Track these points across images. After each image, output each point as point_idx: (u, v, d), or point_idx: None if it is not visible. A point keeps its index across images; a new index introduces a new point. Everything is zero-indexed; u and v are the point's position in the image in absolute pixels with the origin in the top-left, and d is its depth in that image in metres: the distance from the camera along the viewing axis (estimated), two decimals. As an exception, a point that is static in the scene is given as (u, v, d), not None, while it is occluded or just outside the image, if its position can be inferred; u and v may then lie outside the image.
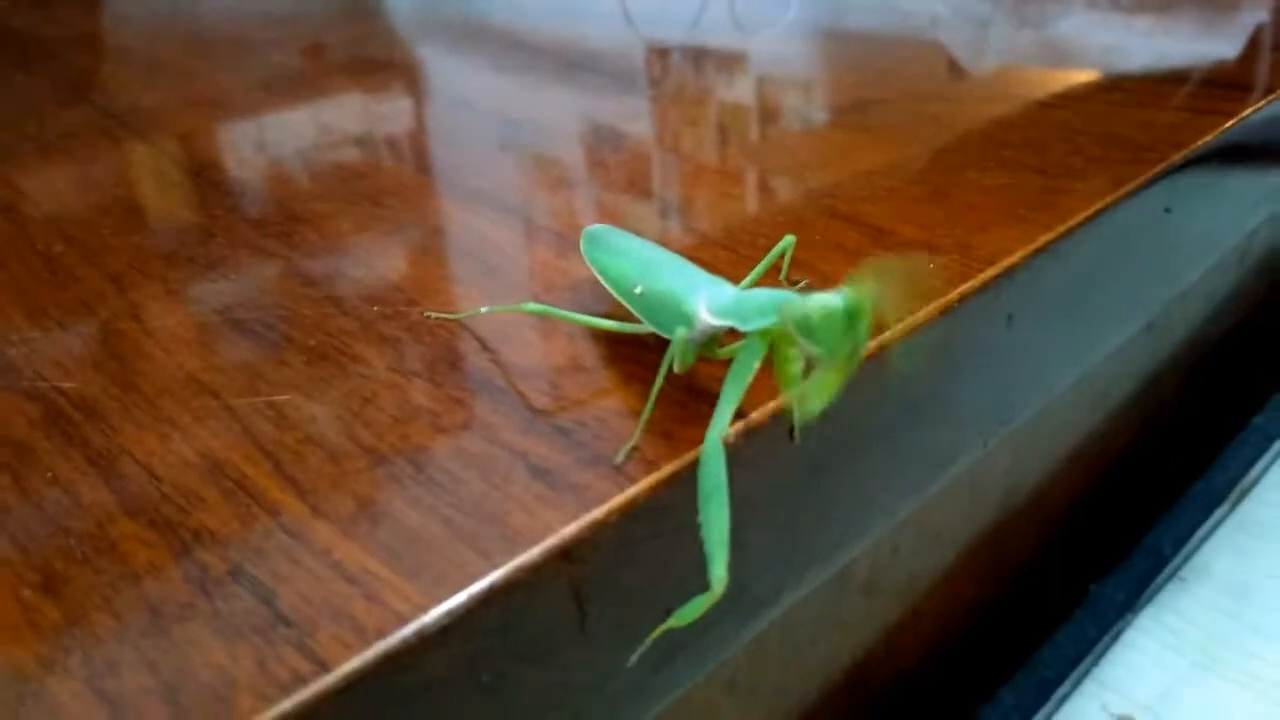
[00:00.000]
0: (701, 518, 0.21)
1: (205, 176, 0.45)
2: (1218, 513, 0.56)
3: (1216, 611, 0.52)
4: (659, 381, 0.25)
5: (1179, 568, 0.54)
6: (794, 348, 0.22)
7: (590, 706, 0.24)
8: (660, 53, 0.62)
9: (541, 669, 0.22)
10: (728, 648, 0.28)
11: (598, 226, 0.32)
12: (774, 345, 0.23)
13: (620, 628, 0.24)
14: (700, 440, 0.24)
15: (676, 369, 0.25)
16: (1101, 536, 0.54)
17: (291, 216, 0.40)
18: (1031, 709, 0.46)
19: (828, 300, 0.21)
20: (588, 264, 0.30)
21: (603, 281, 0.29)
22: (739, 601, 0.27)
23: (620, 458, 0.24)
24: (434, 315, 0.31)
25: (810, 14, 0.72)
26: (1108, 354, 0.44)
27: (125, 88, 0.61)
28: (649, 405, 0.25)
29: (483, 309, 0.31)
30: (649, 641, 0.23)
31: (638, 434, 0.24)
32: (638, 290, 0.27)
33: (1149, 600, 0.52)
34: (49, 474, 0.25)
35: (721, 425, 0.22)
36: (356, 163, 0.46)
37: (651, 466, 0.24)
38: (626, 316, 0.28)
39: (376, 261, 0.35)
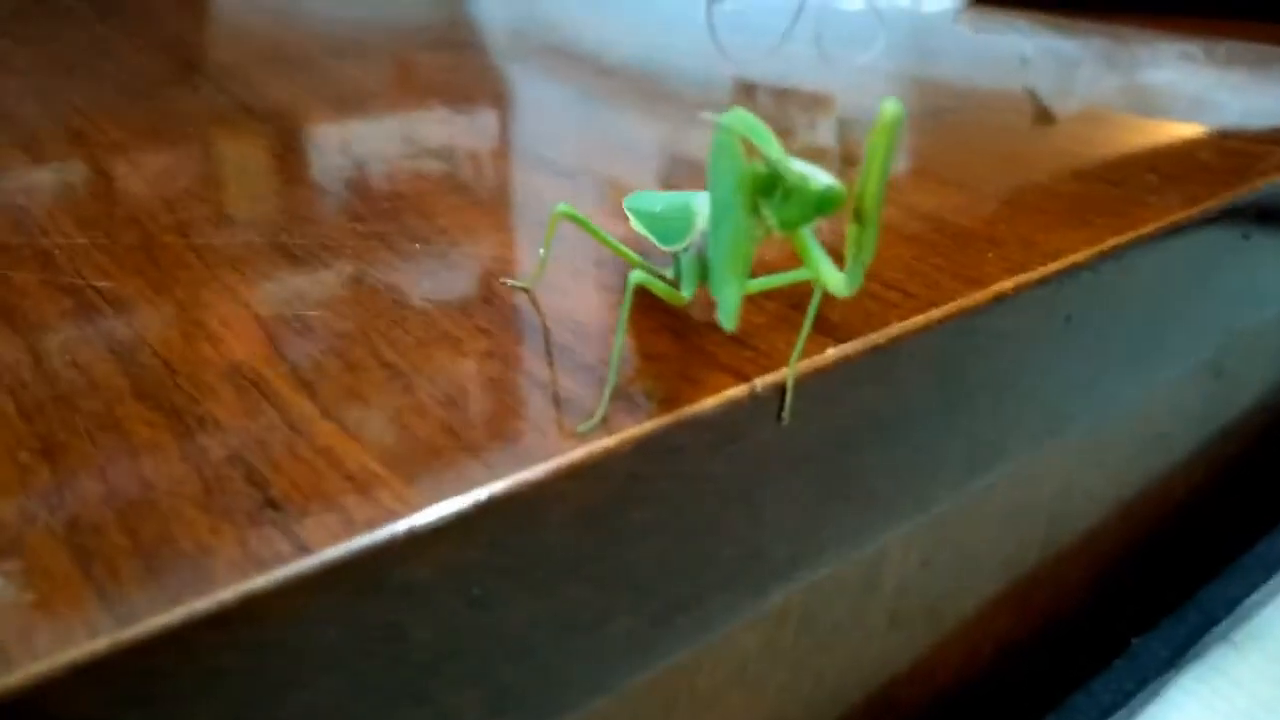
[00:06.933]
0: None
1: (276, 125, 0.46)
2: (1278, 578, 0.53)
3: (1268, 680, 0.49)
4: (623, 317, 0.23)
5: (1231, 630, 0.51)
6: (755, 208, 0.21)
7: (583, 647, 0.23)
8: (746, 82, 0.62)
9: (537, 596, 0.21)
10: (732, 618, 0.27)
11: (645, 190, 0.31)
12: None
13: (622, 567, 0.23)
14: (720, 386, 0.23)
15: (684, 294, 0.24)
16: (1150, 588, 0.52)
17: (351, 160, 0.40)
18: (1059, 755, 0.44)
19: (809, 175, 0.20)
20: (627, 214, 0.29)
21: (630, 217, 0.28)
22: (749, 568, 0.26)
23: (585, 427, 0.22)
24: (509, 282, 0.29)
25: (897, 48, 0.71)
26: (1171, 390, 0.42)
27: (210, 47, 0.63)
28: (616, 349, 0.24)
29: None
30: None
31: (604, 404, 0.23)
32: (657, 209, 0.26)
33: (1195, 659, 0.49)
34: (68, 357, 0.25)
35: None
36: (436, 143, 0.46)
37: (670, 405, 0.23)
38: (649, 256, 0.27)
39: (427, 208, 0.35)
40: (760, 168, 0.21)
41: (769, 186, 0.20)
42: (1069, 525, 0.47)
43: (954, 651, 0.44)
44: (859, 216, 0.20)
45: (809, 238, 0.21)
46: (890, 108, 0.19)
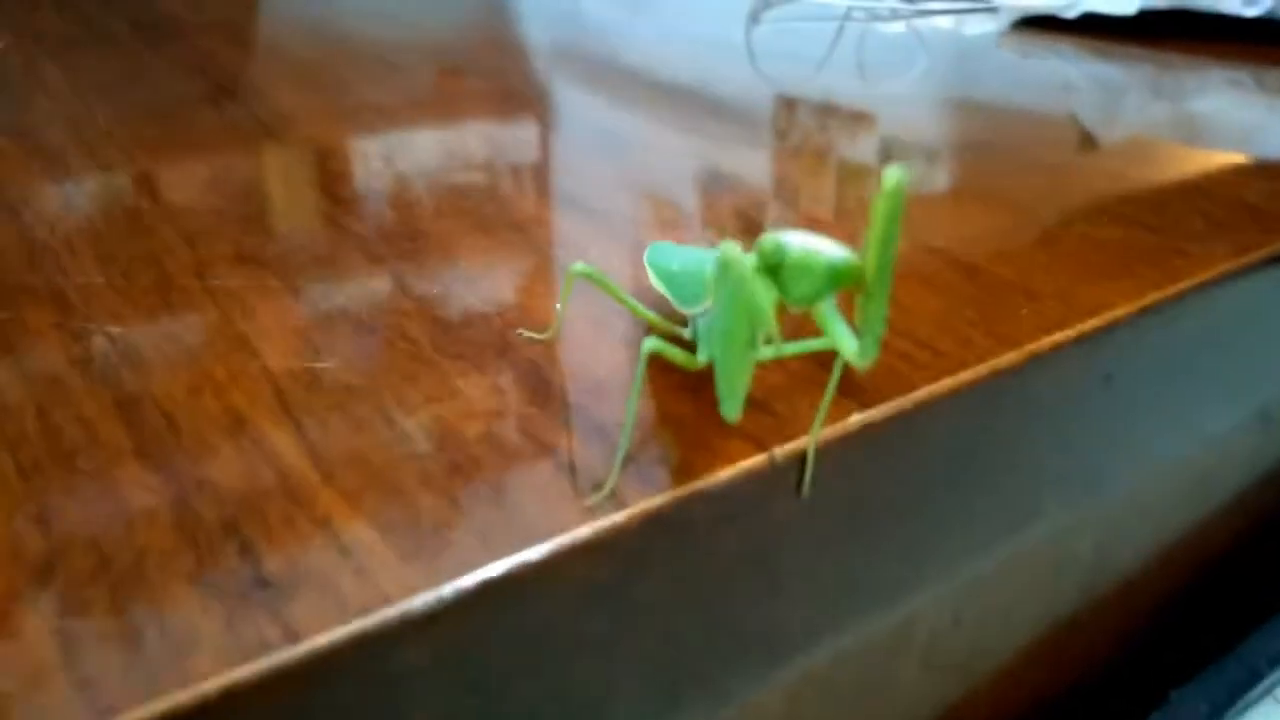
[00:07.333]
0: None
1: (303, 155, 0.46)
2: (1324, 632, 0.51)
3: (1313, 740, 0.47)
4: (636, 385, 0.22)
5: (1274, 684, 0.49)
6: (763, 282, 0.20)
7: (589, 728, 0.22)
8: (786, 98, 0.61)
9: (538, 680, 0.21)
10: (750, 690, 0.26)
11: (666, 243, 0.30)
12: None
13: (631, 643, 0.22)
14: (738, 455, 0.22)
15: (700, 359, 0.23)
16: (1190, 639, 0.50)
17: (376, 194, 0.39)
18: (1092, 814, 0.43)
19: (817, 250, 0.19)
20: (647, 269, 0.28)
21: (649, 272, 0.27)
22: (767, 641, 0.25)
23: (594, 499, 0.21)
24: (526, 334, 0.29)
25: (937, 73, 0.69)
26: (1217, 440, 0.41)
27: (247, 73, 0.63)
28: (629, 417, 0.23)
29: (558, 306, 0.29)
30: None
31: (615, 474, 0.22)
32: (675, 268, 0.26)
33: (1236, 716, 0.47)
34: (72, 410, 0.24)
35: None
36: (466, 178, 0.46)
37: (685, 475, 0.22)
38: (670, 317, 0.26)
39: (450, 248, 0.35)
40: (767, 245, 0.20)
41: (777, 264, 0.20)
42: (1107, 576, 0.45)
43: (985, 706, 0.43)
44: (865, 290, 0.19)
45: (829, 308, 0.20)
46: (893, 176, 0.18)
